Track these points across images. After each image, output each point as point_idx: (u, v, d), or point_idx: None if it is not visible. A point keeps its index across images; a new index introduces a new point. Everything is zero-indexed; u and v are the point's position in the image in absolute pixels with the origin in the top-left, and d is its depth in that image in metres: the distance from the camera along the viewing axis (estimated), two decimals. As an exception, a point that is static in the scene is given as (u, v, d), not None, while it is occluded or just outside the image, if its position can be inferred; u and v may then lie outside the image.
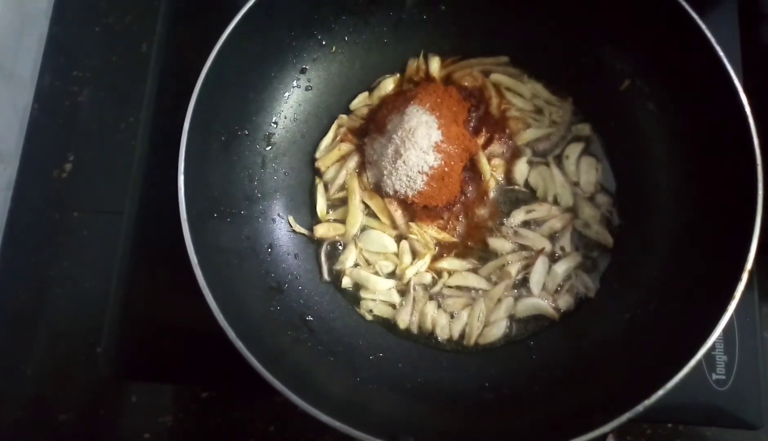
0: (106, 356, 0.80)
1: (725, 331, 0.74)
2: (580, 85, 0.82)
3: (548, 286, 0.77)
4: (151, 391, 0.82)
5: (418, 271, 0.78)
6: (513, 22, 0.81)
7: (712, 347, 0.75)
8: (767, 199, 0.63)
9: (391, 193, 0.80)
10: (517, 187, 0.82)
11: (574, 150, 0.82)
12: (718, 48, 0.67)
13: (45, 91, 0.94)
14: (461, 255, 0.79)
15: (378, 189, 0.81)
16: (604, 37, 0.78)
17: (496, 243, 0.79)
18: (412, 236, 0.79)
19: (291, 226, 0.80)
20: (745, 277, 0.60)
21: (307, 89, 0.83)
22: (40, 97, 0.94)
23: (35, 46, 0.95)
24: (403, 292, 0.78)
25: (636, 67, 0.77)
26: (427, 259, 0.78)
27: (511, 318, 0.77)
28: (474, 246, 0.80)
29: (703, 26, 0.68)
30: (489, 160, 0.81)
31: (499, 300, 0.77)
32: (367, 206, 0.81)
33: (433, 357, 0.76)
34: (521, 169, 0.82)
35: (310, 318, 0.75)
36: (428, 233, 0.79)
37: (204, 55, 0.69)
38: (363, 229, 0.81)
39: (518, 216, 0.80)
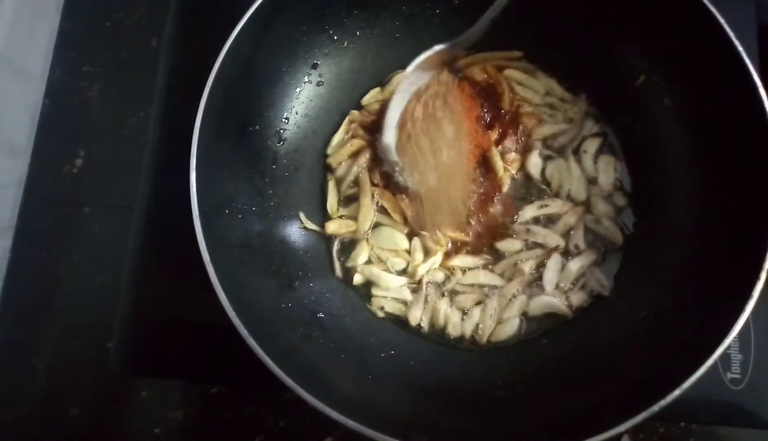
0: (116, 351, 0.80)
1: (741, 329, 0.73)
2: (594, 81, 0.81)
3: (562, 284, 0.77)
4: (161, 387, 0.83)
5: (430, 268, 0.77)
6: (527, 17, 0.80)
7: (727, 346, 0.74)
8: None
9: (403, 189, 0.79)
10: (532, 181, 0.81)
11: (592, 145, 0.81)
12: (735, 41, 0.66)
13: (55, 87, 0.95)
14: (474, 252, 0.79)
15: (390, 185, 0.80)
16: (618, 32, 0.77)
17: (504, 245, 0.78)
18: (423, 233, 0.78)
19: (302, 223, 0.79)
20: (763, 276, 0.60)
21: (318, 85, 0.83)
22: (50, 93, 0.94)
23: (46, 42, 0.95)
24: (415, 289, 0.78)
25: (651, 62, 0.76)
26: (439, 256, 0.78)
27: (524, 316, 0.76)
28: (487, 243, 0.79)
29: (721, 19, 0.67)
30: (503, 156, 0.80)
31: (512, 297, 0.76)
32: (379, 203, 0.81)
33: (444, 355, 0.75)
34: (535, 162, 0.81)
35: (321, 315, 0.74)
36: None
37: (214, 51, 0.69)
38: (375, 225, 0.80)
39: (530, 211, 0.79)
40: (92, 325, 0.85)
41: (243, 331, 0.60)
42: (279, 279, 0.74)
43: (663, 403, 0.57)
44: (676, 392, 0.57)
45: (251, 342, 0.60)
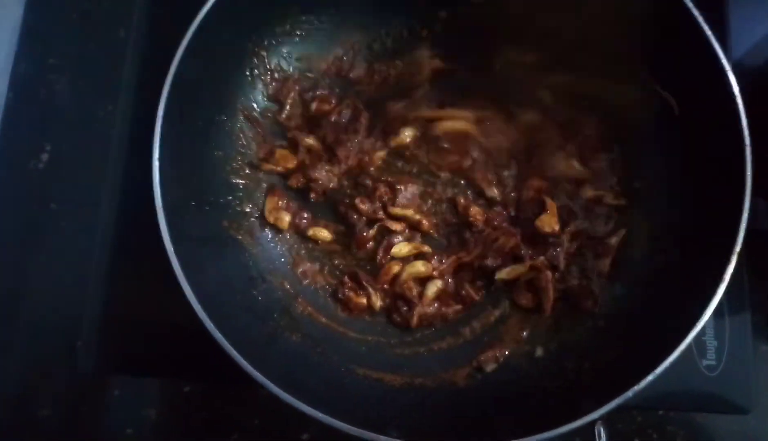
0: (86, 350, 0.78)
1: (715, 316, 0.74)
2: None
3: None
4: (133, 385, 0.81)
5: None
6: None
7: (702, 333, 0.75)
8: (756, 179, 0.62)
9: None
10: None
11: None
12: (705, 27, 0.65)
13: (20, 80, 0.92)
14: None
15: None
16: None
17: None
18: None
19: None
20: (734, 259, 0.60)
21: (286, 72, 0.81)
22: (15, 86, 0.91)
23: (9, 33, 0.93)
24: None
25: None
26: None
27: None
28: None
29: (695, 11, 0.66)
30: None
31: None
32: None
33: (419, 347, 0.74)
34: None
35: (293, 308, 0.73)
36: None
37: (182, 41, 0.67)
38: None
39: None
40: (61, 324, 0.82)
41: (210, 325, 0.59)
42: (249, 272, 0.73)
43: (637, 388, 0.57)
44: (650, 377, 0.57)
45: (219, 336, 0.59)
